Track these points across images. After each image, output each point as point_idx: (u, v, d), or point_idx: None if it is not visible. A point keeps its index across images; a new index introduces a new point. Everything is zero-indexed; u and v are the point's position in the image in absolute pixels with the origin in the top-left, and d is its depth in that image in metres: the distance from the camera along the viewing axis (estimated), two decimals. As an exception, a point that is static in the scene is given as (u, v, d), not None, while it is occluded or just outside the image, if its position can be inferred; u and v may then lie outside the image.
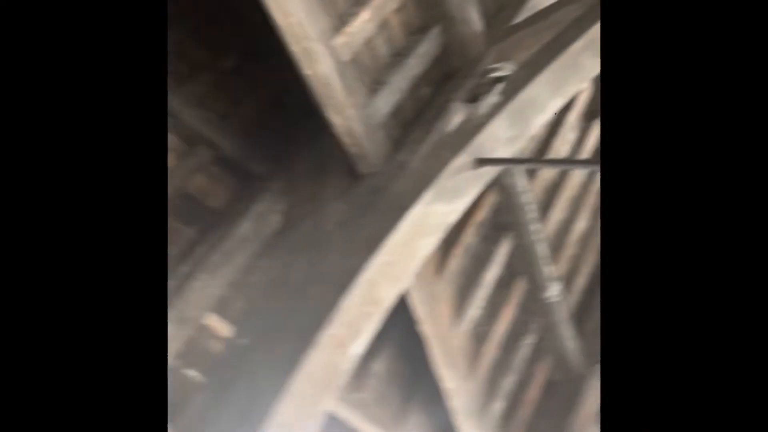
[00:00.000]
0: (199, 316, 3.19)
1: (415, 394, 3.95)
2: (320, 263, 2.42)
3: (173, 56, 3.56)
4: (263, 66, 3.81)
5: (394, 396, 3.90)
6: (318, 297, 2.21)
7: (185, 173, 3.50)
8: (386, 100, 2.73)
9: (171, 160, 3.49)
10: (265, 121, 3.77)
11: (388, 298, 2.26)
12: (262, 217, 3.33)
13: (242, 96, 3.75)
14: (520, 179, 3.50)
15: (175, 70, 3.53)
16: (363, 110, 2.59)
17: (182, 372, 3.72)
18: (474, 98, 2.64)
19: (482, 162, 2.41)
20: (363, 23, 2.54)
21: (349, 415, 3.65)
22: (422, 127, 2.78)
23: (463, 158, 2.40)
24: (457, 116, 2.69)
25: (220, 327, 3.44)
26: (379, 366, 3.89)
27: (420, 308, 3.25)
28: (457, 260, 3.53)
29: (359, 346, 2.15)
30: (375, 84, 2.73)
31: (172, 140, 3.49)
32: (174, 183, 3.44)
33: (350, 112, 2.54)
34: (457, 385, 3.56)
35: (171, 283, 3.25)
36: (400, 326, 3.96)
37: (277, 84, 3.82)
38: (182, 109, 3.47)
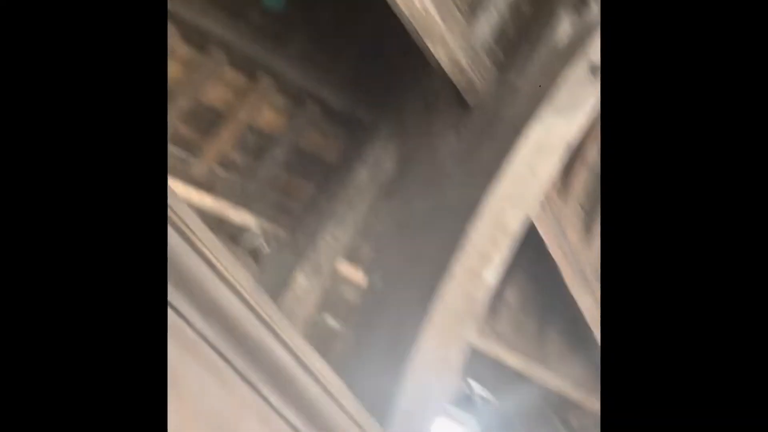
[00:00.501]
0: (332, 264, 3.32)
1: (552, 319, 3.92)
2: (442, 198, 2.42)
3: (270, 18, 3.63)
4: (359, 14, 3.80)
5: (530, 324, 3.89)
6: (444, 230, 2.22)
7: (297, 131, 3.61)
8: (487, 24, 2.63)
9: (282, 120, 3.61)
10: (368, 69, 3.77)
11: (515, 224, 2.22)
12: (377, 163, 3.38)
13: (342, 48, 3.77)
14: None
15: (273, 30, 3.60)
16: (464, 38, 2.52)
17: (322, 321, 3.93)
18: (581, 2, 2.48)
19: (599, 69, 2.28)
20: (452, -53, 2.45)
21: (488, 345, 3.69)
22: (528, 44, 2.66)
23: (577, 69, 2.28)
24: (564, 26, 2.55)
25: (353, 274, 3.58)
26: (512, 296, 3.89)
27: (547, 233, 3.18)
28: (581, 180, 3.40)
29: (493, 274, 2.15)
30: (473, 9, 2.64)
31: (280, 100, 3.59)
32: (288, 141, 3.56)
33: (452, 42, 2.47)
34: (594, 305, 3.48)
35: (300, 236, 3.41)
36: (529, 254, 3.91)
37: (374, 30, 3.80)
38: (285, 68, 3.55)
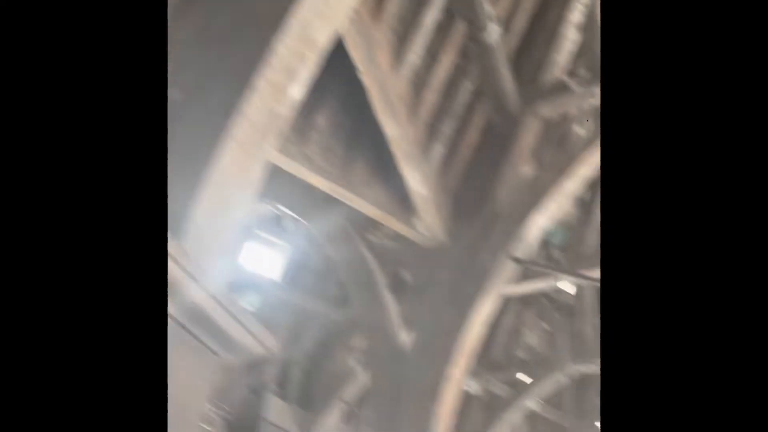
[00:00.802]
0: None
1: (359, 144, 4.03)
2: (248, 8, 2.24)
3: None
4: None
5: (338, 148, 3.97)
6: (249, 41, 2.08)
7: None
8: None
9: None
10: None
11: (323, 39, 2.15)
12: (178, -36, 3.01)
13: None
14: None
15: None
16: None
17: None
18: None
19: None
20: None
21: (297, 169, 3.73)
22: None
23: None
24: None
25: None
26: (321, 120, 3.89)
27: (358, 56, 3.15)
28: (394, 4, 3.35)
29: (298, 90, 2.09)
30: None
31: None
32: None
33: None
34: (398, 132, 3.62)
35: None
36: (340, 79, 3.88)
37: None
38: None
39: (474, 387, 7.25)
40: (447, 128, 4.07)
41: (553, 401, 8.55)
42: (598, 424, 8.94)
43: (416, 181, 3.92)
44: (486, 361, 7.41)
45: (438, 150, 4.06)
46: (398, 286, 5.71)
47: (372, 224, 4.87)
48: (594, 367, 6.80)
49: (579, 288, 6.84)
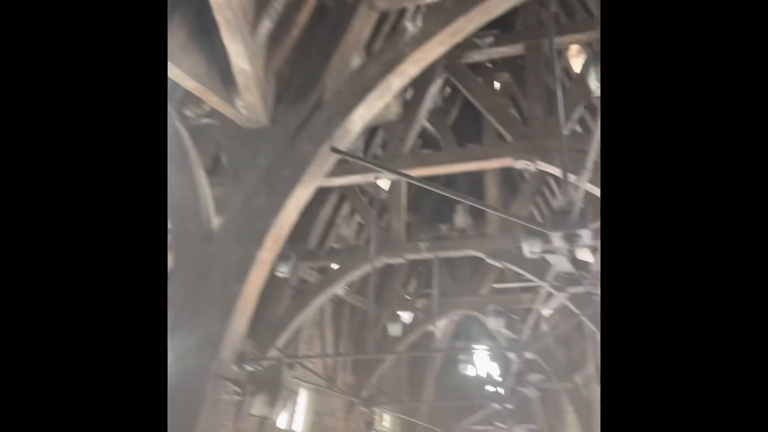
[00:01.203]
0: None
1: (178, 5, 3.67)
2: None
3: None
4: None
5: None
6: None
7: None
8: None
9: None
10: None
11: None
12: None
13: None
14: None
15: None
16: None
17: None
18: None
19: None
20: None
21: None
22: None
23: None
24: None
25: None
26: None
27: None
28: None
29: None
30: None
31: None
32: None
33: None
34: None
35: None
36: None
37: None
38: None
39: (285, 271, 7.41)
40: (277, 3, 3.84)
41: (358, 288, 9.05)
42: (399, 312, 9.68)
43: (240, 55, 3.70)
44: (300, 248, 7.56)
45: (266, 25, 3.83)
46: (213, 167, 5.51)
47: (189, 98, 4.56)
48: (399, 260, 7.23)
49: (393, 184, 7.12)
